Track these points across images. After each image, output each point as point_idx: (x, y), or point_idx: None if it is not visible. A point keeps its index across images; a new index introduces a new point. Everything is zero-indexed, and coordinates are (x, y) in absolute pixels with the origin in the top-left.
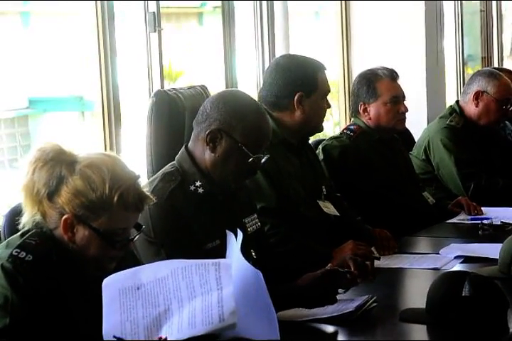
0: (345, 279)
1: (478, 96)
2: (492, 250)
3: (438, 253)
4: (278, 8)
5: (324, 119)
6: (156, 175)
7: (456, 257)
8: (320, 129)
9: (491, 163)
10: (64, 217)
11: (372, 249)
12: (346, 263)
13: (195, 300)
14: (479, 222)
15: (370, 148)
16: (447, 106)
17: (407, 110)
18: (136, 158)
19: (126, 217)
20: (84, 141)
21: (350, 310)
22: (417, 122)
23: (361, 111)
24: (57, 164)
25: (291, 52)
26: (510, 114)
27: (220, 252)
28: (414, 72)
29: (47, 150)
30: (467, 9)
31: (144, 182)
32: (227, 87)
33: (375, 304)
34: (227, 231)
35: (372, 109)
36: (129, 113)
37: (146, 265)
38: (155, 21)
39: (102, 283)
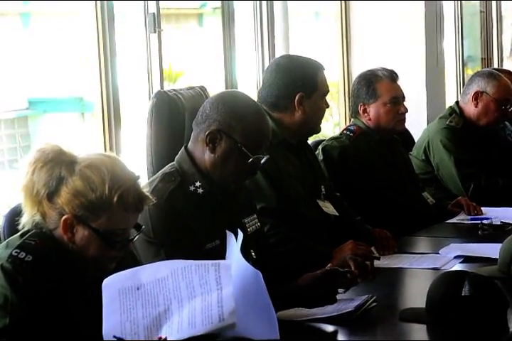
0: (345, 279)
1: (477, 96)
2: (492, 250)
3: (438, 253)
4: (278, 8)
5: (323, 120)
6: (155, 176)
7: (456, 257)
8: (318, 130)
9: (491, 164)
10: (64, 218)
11: (372, 248)
12: (346, 263)
13: (195, 300)
14: (479, 222)
15: (369, 148)
16: (447, 106)
17: (406, 111)
18: (135, 159)
19: (125, 218)
20: (84, 142)
21: (350, 309)
22: (417, 123)
23: (361, 112)
24: (57, 165)
25: (291, 52)
26: (509, 114)
27: (220, 252)
28: (414, 73)
29: (47, 150)
30: (467, 10)
31: (144, 182)
32: (226, 88)
33: (374, 304)
34: (227, 231)
35: (372, 110)
36: (129, 114)
37: (146, 265)
38: (155, 22)
39: (101, 284)
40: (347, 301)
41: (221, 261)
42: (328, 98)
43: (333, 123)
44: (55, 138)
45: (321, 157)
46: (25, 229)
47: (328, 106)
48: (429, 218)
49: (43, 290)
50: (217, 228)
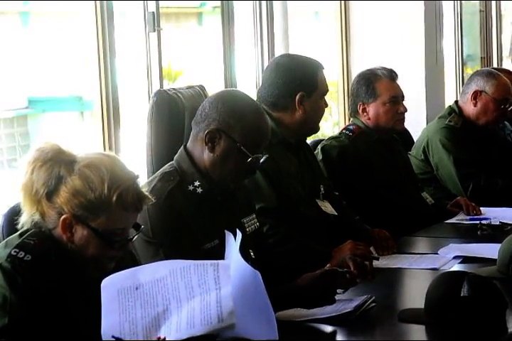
0: (344, 279)
1: (476, 95)
2: (491, 250)
3: (437, 254)
4: (277, 8)
5: (322, 119)
6: (154, 175)
7: (455, 257)
8: (317, 129)
9: (490, 163)
10: (63, 217)
11: (371, 249)
12: (345, 263)
13: (194, 300)
14: (478, 222)
15: (369, 148)
16: (446, 106)
17: (406, 110)
18: (135, 158)
19: (124, 217)
20: (84, 141)
21: (349, 310)
22: (416, 122)
23: (360, 111)
24: (56, 164)
25: (291, 52)
26: (508, 113)
27: (219, 252)
28: (414, 72)
29: (46, 150)
30: (466, 9)
31: (144, 182)
32: (226, 87)
33: (373, 304)
34: (226, 231)
35: (372, 109)
36: (129, 113)
37: (145, 265)
38: (154, 21)
39: (100, 283)
40: (346, 301)
41: (220, 261)
42: (327, 97)
43: (332, 123)
44: (55, 137)
45: (320, 156)
46: (25, 228)
47: (327, 106)
48: (428, 218)
49: (42, 289)
50: (216, 228)
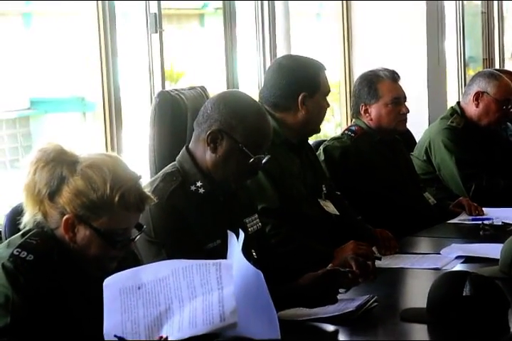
0: (346, 279)
1: (478, 96)
2: (493, 250)
3: (439, 254)
4: (279, 8)
5: (324, 120)
6: (156, 176)
7: (457, 257)
8: (319, 130)
9: (492, 164)
10: (65, 217)
11: (374, 248)
12: (347, 262)
13: (196, 299)
14: (480, 222)
15: (371, 149)
16: (448, 107)
17: (408, 111)
18: (137, 159)
19: (127, 217)
20: (86, 142)
21: (351, 309)
22: (418, 123)
23: (362, 112)
24: (59, 164)
25: (293, 53)
26: (510, 114)
27: (221, 252)
28: (416, 73)
29: (48, 150)
30: (468, 10)
31: (146, 182)
32: (228, 88)
33: (375, 304)
34: (228, 231)
35: (374, 110)
36: (131, 114)
37: (147, 265)
38: (156, 22)
39: (103, 283)
40: (348, 301)
41: (222, 261)
42: (329, 98)
43: (334, 124)
44: (57, 137)
45: (322, 157)
46: (27, 228)
47: (329, 106)
48: (431, 218)
49: (44, 289)
50: (219, 228)
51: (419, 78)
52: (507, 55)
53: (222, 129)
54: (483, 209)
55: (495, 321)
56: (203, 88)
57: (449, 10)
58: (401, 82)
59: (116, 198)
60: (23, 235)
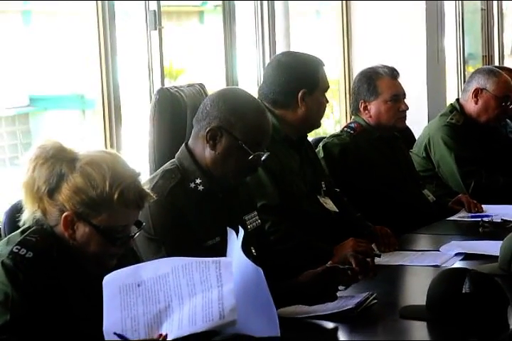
0: (345, 276)
1: (477, 93)
2: (492, 247)
3: (438, 251)
4: (279, 6)
5: (323, 115)
6: (156, 173)
7: (457, 254)
8: (319, 125)
9: (492, 161)
10: (64, 214)
11: (373, 246)
12: (347, 260)
13: (196, 297)
14: (479, 219)
15: (370, 146)
16: (448, 104)
17: (407, 108)
18: (136, 156)
19: (126, 214)
20: (85, 139)
21: (351, 306)
22: (418, 120)
23: (362, 109)
24: (58, 161)
25: (292, 50)
26: (510, 111)
27: (221, 249)
28: (415, 70)
29: (47, 147)
30: (468, 8)
31: (145, 179)
32: (227, 85)
33: (375, 301)
34: (227, 228)
35: (373, 107)
36: (130, 111)
37: (147, 262)
38: (156, 20)
39: (102, 280)
40: (347, 298)
41: (222, 258)
42: (329, 96)
43: (334, 121)
44: (56, 135)
45: (321, 154)
46: (26, 225)
47: (328, 102)
48: (430, 215)
49: (43, 286)
50: (218, 225)
51: (418, 75)
52: (506, 52)
53: (221, 126)
54: (483, 206)
55: (494, 318)
56: (201, 85)
57: (449, 7)
58: (400, 79)
59: (116, 195)
60: (22, 232)
